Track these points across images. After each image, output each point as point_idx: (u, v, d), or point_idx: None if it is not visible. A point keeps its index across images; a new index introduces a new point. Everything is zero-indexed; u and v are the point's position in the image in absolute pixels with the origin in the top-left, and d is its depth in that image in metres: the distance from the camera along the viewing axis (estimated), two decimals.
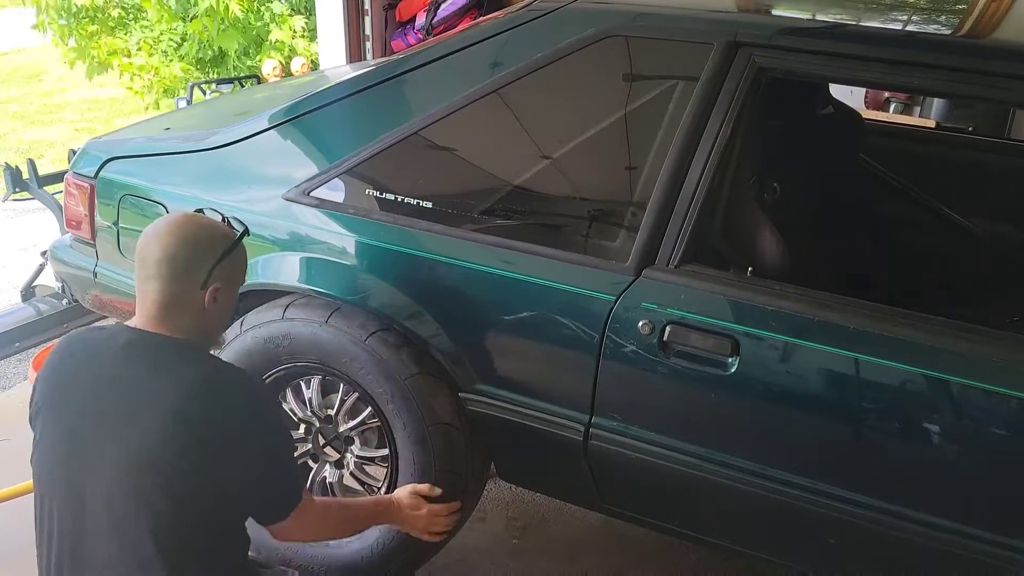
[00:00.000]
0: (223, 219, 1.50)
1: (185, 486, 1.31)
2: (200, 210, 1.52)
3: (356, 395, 1.91)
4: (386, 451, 1.92)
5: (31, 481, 1.42)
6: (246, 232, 1.50)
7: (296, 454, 2.03)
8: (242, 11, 5.36)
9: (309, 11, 5.86)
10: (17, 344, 3.26)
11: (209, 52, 5.88)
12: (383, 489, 1.95)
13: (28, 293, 3.49)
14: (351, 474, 2.03)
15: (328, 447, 2.04)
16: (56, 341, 1.46)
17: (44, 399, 1.40)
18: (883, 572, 1.64)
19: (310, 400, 1.98)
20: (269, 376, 1.95)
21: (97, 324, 1.49)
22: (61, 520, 1.35)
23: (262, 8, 5.87)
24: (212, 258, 1.40)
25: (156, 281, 1.37)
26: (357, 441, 2.00)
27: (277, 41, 5.74)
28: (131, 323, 1.41)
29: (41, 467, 1.39)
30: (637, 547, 2.27)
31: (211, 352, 1.50)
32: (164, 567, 1.30)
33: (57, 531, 1.35)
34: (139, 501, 1.30)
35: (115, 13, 6.16)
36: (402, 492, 1.81)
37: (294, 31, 5.72)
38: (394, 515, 1.77)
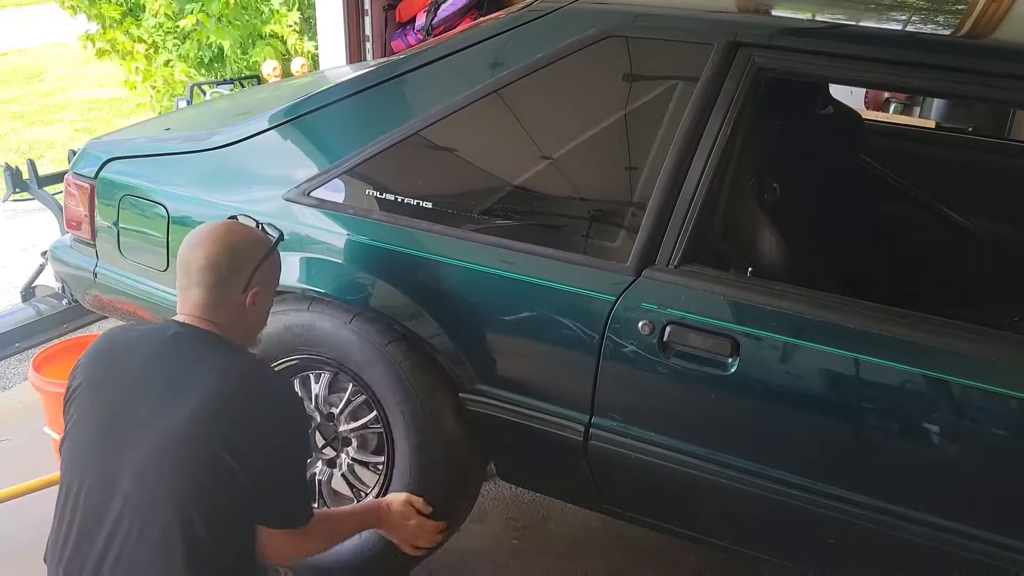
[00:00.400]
0: (257, 225, 1.58)
1: (215, 472, 1.33)
2: (234, 217, 1.59)
3: (363, 397, 1.91)
4: (382, 458, 1.92)
5: (31, 481, 1.42)
6: (282, 237, 1.59)
7: None
8: (236, 2, 5.35)
9: (302, 7, 5.87)
10: (17, 344, 3.26)
11: (208, 53, 5.87)
12: (372, 496, 1.94)
13: (28, 293, 3.49)
14: (342, 475, 2.02)
15: (327, 446, 2.04)
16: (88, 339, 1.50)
17: (87, 380, 1.43)
18: (883, 572, 1.65)
19: (316, 395, 2.00)
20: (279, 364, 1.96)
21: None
22: (87, 498, 1.36)
23: (259, 4, 5.87)
24: (252, 264, 1.48)
25: (199, 288, 1.45)
26: (354, 443, 1.99)
27: (272, 34, 5.74)
28: (178, 318, 1.48)
29: (74, 447, 1.41)
30: (637, 547, 2.27)
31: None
32: (185, 549, 1.32)
33: (82, 508, 1.36)
34: (169, 484, 1.32)
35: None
36: (395, 499, 1.80)
37: (288, 25, 5.72)
38: (382, 520, 1.77)
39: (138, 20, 6.13)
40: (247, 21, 5.77)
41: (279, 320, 1.88)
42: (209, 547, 1.34)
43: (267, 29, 5.75)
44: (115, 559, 1.33)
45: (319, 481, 2.03)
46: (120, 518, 1.33)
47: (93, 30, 6.20)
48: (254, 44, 5.84)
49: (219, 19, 5.55)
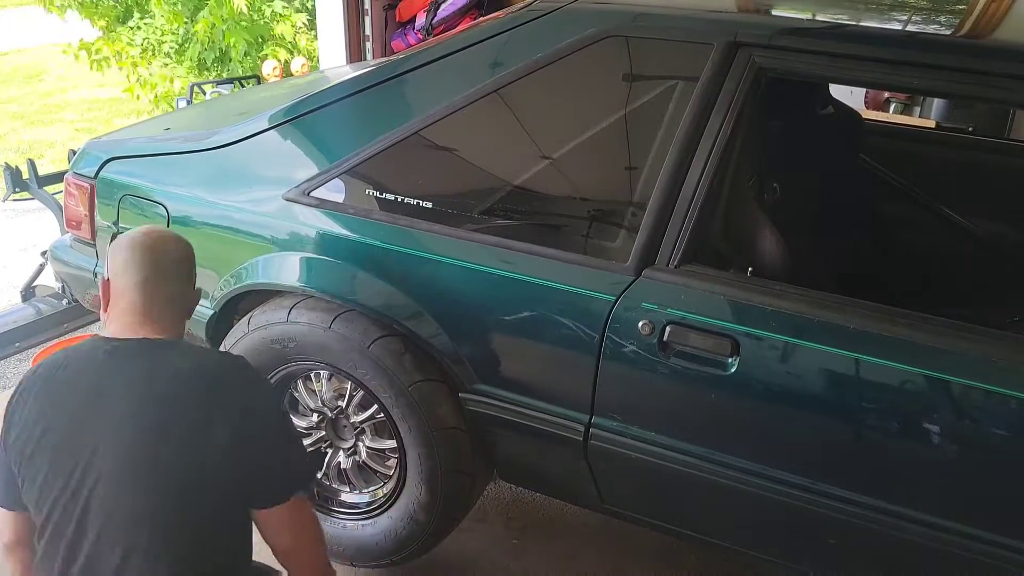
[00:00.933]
0: None
1: (199, 468, 1.31)
2: None
3: (362, 392, 1.94)
4: (394, 442, 1.96)
5: None
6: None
7: (310, 441, 2.10)
8: (247, 4, 5.35)
9: (309, 9, 5.88)
10: (17, 344, 3.26)
11: (212, 54, 5.87)
12: (394, 480, 2.01)
13: (28, 293, 3.49)
14: (363, 463, 2.08)
15: (341, 436, 2.10)
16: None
17: (27, 424, 1.35)
18: (883, 572, 1.65)
19: (320, 393, 2.04)
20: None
21: (66, 347, 1.49)
22: (64, 538, 1.32)
23: (263, 6, 5.87)
24: (192, 259, 1.52)
25: (173, 283, 1.45)
26: (368, 432, 2.04)
27: (280, 36, 5.75)
28: (104, 334, 1.43)
29: (36, 490, 1.34)
30: (637, 547, 2.27)
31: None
32: (166, 551, 1.30)
33: (63, 550, 1.33)
34: (140, 504, 1.29)
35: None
36: None
37: (295, 28, 5.73)
38: None
39: (132, 27, 6.12)
40: (256, 23, 5.78)
41: (263, 333, 1.92)
42: (193, 558, 1.33)
43: (276, 31, 5.76)
44: None
45: (344, 471, 2.09)
46: (96, 551, 1.30)
47: (86, 37, 6.16)
48: (262, 46, 5.85)
49: (227, 21, 5.56)
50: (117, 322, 1.42)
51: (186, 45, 5.96)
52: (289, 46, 5.80)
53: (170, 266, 1.45)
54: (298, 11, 5.86)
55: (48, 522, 1.33)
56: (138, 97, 6.04)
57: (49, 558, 1.34)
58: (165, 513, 1.30)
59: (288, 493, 1.43)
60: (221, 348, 2.03)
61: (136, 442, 1.30)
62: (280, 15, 5.80)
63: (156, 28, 6.04)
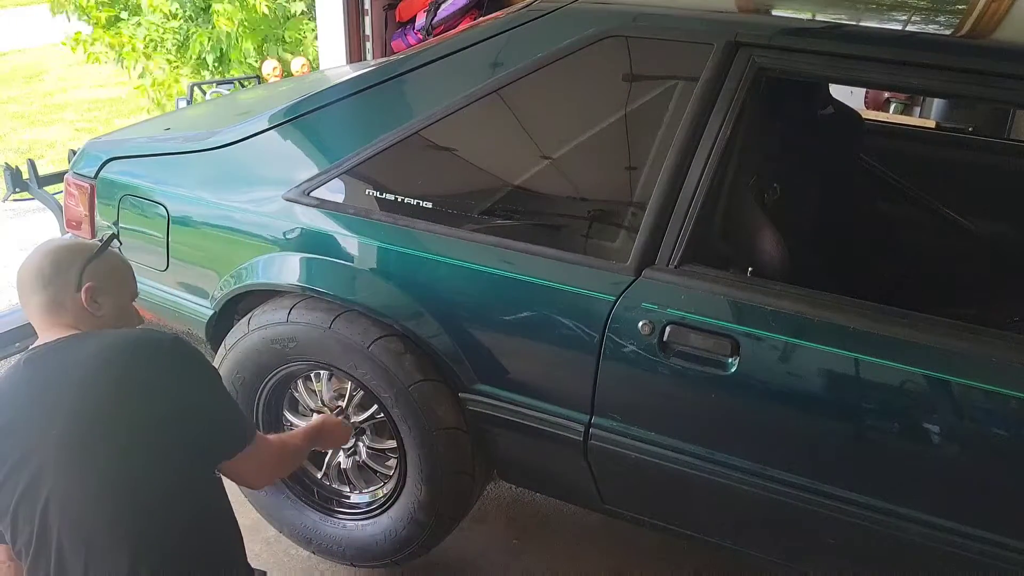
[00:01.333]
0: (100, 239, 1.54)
1: (140, 440, 1.29)
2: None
3: (362, 392, 1.94)
4: (394, 443, 1.96)
5: None
6: (114, 236, 1.56)
7: None
8: (269, 6, 5.35)
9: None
10: (17, 344, 3.25)
11: (213, 55, 5.86)
12: (394, 480, 2.02)
13: None
14: (363, 463, 2.08)
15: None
16: None
17: None
18: (883, 572, 1.65)
19: (320, 393, 2.04)
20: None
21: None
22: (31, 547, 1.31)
23: (284, 7, 5.88)
24: (80, 260, 1.44)
25: (35, 295, 1.41)
26: (368, 432, 2.04)
27: (293, 39, 5.76)
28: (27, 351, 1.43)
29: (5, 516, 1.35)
30: (637, 547, 2.27)
31: None
32: (131, 544, 1.28)
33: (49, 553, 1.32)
34: (92, 473, 1.27)
35: None
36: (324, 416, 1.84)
37: (310, 33, 5.73)
38: (327, 424, 1.79)
39: (135, 23, 6.11)
40: (268, 25, 5.77)
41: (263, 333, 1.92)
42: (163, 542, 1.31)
43: (289, 35, 5.76)
44: None
45: (344, 471, 2.10)
46: (61, 556, 1.29)
47: (83, 31, 6.15)
48: (268, 49, 5.85)
49: (241, 23, 5.56)
50: (37, 341, 1.42)
51: (187, 43, 5.94)
52: (292, 50, 5.80)
53: (35, 281, 1.42)
54: (310, 17, 5.86)
55: (17, 542, 1.33)
56: (145, 92, 6.02)
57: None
58: (116, 500, 1.28)
59: (245, 435, 1.46)
60: (221, 348, 2.03)
61: (65, 435, 1.28)
62: (296, 18, 5.80)
63: (157, 26, 6.03)
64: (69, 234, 2.30)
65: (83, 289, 1.43)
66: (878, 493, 1.52)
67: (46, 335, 1.41)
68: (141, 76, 5.99)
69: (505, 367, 1.79)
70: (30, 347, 1.41)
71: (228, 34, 5.59)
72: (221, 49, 5.82)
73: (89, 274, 1.44)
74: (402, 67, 1.96)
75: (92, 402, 1.31)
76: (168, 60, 6.06)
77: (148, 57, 6.03)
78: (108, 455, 1.28)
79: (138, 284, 1.57)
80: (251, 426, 1.52)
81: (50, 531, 1.29)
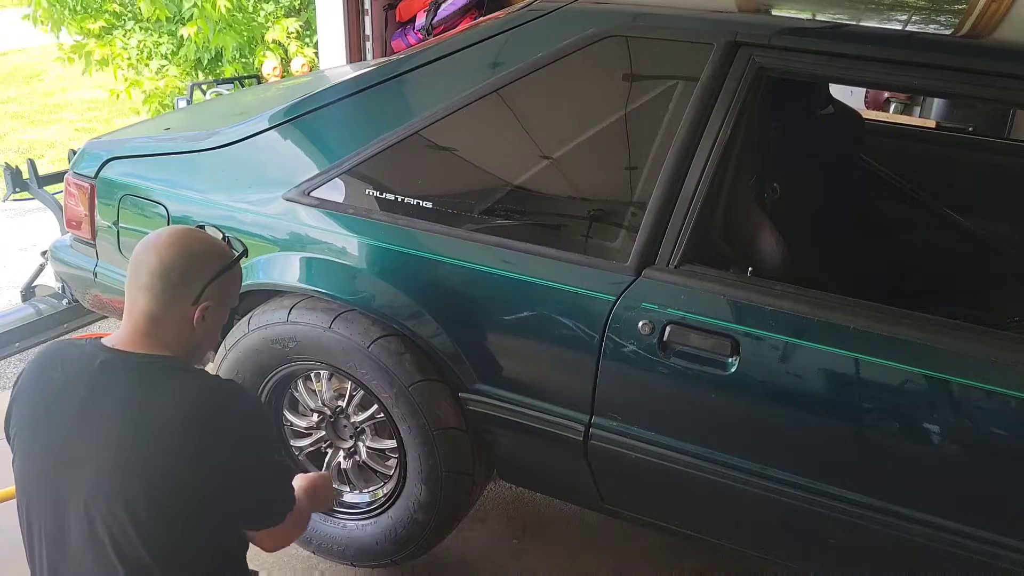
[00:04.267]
0: (223, 238, 1.48)
1: (179, 496, 1.29)
2: (201, 226, 1.50)
3: (362, 392, 1.95)
4: (394, 443, 1.96)
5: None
6: (245, 253, 1.49)
7: (310, 441, 2.11)
8: (228, 8, 5.33)
9: (301, 12, 5.87)
10: (17, 344, 3.26)
11: (207, 55, 5.86)
12: (394, 480, 2.02)
13: (28, 293, 3.48)
14: (363, 462, 2.08)
15: (341, 436, 2.10)
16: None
17: (23, 421, 1.36)
18: (884, 572, 1.64)
19: (320, 393, 2.04)
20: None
21: (72, 339, 1.44)
22: (45, 541, 1.34)
23: (257, 8, 5.87)
24: (208, 275, 1.38)
25: (148, 292, 1.34)
26: (368, 432, 2.04)
27: (273, 41, 5.75)
28: (108, 341, 1.38)
29: (23, 491, 1.36)
30: (637, 547, 2.27)
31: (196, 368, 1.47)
32: None
33: (44, 552, 1.34)
34: (124, 516, 1.27)
35: (114, 7, 6.11)
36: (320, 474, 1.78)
37: (288, 32, 5.72)
38: (323, 485, 1.71)
39: (128, 30, 6.10)
40: (247, 25, 5.76)
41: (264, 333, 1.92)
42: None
43: (268, 36, 5.76)
44: None
45: (344, 471, 2.10)
46: (74, 566, 1.30)
47: (69, 42, 6.13)
48: (253, 50, 5.84)
49: (218, 23, 5.55)
50: (122, 329, 1.38)
51: (182, 46, 5.94)
52: (281, 51, 5.79)
53: (155, 280, 1.34)
54: (288, 15, 5.84)
55: (29, 533, 1.35)
56: (118, 97, 6.03)
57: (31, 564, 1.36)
58: (147, 544, 1.28)
59: (283, 514, 1.44)
60: (221, 348, 2.03)
61: (114, 470, 1.28)
62: (271, 16, 5.78)
63: (152, 31, 6.03)
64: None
65: (200, 307, 1.37)
66: (878, 493, 1.52)
67: (134, 339, 1.35)
68: (125, 81, 5.98)
69: (505, 367, 1.79)
70: (107, 342, 1.35)
71: (199, 33, 5.56)
72: (216, 51, 5.81)
73: (211, 292, 1.38)
74: (402, 67, 1.96)
75: (151, 457, 1.28)
76: (162, 66, 6.05)
77: (145, 63, 6.03)
78: (148, 505, 1.28)
79: None
80: (289, 504, 1.46)
81: (67, 531, 1.30)
